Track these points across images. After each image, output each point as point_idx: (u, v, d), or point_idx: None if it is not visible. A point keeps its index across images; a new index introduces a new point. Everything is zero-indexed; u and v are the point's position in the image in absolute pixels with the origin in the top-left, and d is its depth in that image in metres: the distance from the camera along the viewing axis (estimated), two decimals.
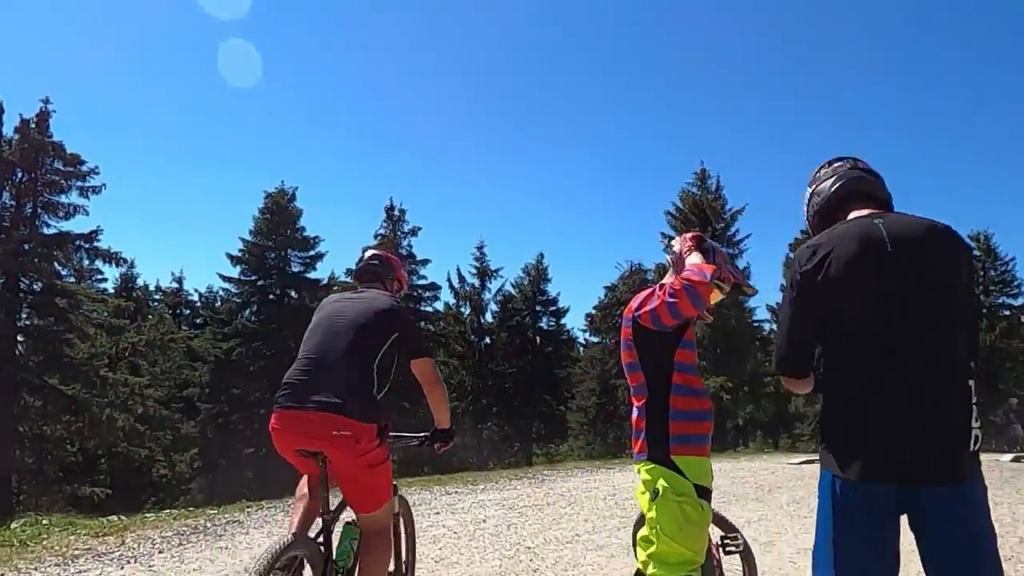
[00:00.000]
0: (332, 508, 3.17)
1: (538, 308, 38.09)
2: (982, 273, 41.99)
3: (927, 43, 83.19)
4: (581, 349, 40.87)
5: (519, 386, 36.83)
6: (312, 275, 31.92)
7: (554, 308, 38.08)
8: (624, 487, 10.19)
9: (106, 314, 22.96)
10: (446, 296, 36.09)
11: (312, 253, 31.72)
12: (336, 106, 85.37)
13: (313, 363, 3.04)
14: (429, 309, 33.91)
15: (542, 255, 38.19)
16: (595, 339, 34.99)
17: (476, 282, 37.30)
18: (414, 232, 31.98)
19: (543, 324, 38.26)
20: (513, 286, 38.12)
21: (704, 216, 27.68)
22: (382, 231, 31.50)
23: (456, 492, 9.70)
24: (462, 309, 37.68)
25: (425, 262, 32.70)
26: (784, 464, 14.73)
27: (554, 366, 38.06)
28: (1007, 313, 42.12)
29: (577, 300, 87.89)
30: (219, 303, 35.59)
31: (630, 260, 34.60)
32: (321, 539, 3.05)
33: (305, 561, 2.89)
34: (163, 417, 23.97)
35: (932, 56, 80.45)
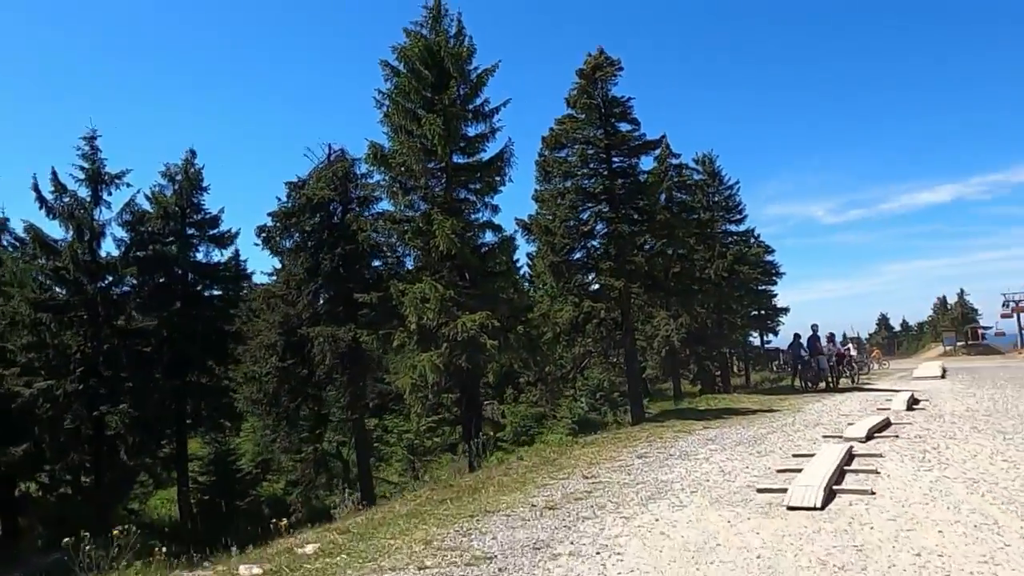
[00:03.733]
0: None
1: (190, 231, 25.77)
2: (706, 199, 39.01)
3: None
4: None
5: (163, 349, 24.52)
6: None
7: (215, 231, 26.05)
8: None
9: None
10: (28, 212, 22.15)
11: None
12: None
13: None
14: None
15: (193, 152, 25.79)
16: (276, 264, 23.48)
17: (85, 192, 23.79)
18: None
19: (200, 254, 26.07)
20: (149, 199, 25.30)
21: (441, 69, 18.08)
22: None
23: None
24: (67, 234, 24.02)
25: None
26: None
27: (219, 316, 26.22)
28: (730, 240, 39.80)
29: (247, 218, 71.69)
30: None
31: (328, 144, 23.23)
32: None
33: None
34: None
35: None
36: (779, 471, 7.67)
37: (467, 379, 18.12)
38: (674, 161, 32.71)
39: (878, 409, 14.53)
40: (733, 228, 40.75)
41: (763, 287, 41.26)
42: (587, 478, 8.04)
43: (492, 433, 32.15)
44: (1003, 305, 75.90)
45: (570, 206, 23.04)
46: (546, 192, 23.89)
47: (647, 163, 24.74)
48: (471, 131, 18.88)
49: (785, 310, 42.44)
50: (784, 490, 6.42)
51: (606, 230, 22.98)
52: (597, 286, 23.25)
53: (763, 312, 42.07)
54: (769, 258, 41.70)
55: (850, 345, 28.88)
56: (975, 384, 21.38)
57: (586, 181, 23.32)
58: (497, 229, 19.11)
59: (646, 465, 8.88)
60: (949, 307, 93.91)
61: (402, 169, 17.99)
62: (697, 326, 35.56)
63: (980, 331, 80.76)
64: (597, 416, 31.00)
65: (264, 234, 19.93)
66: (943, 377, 24.92)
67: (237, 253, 27.91)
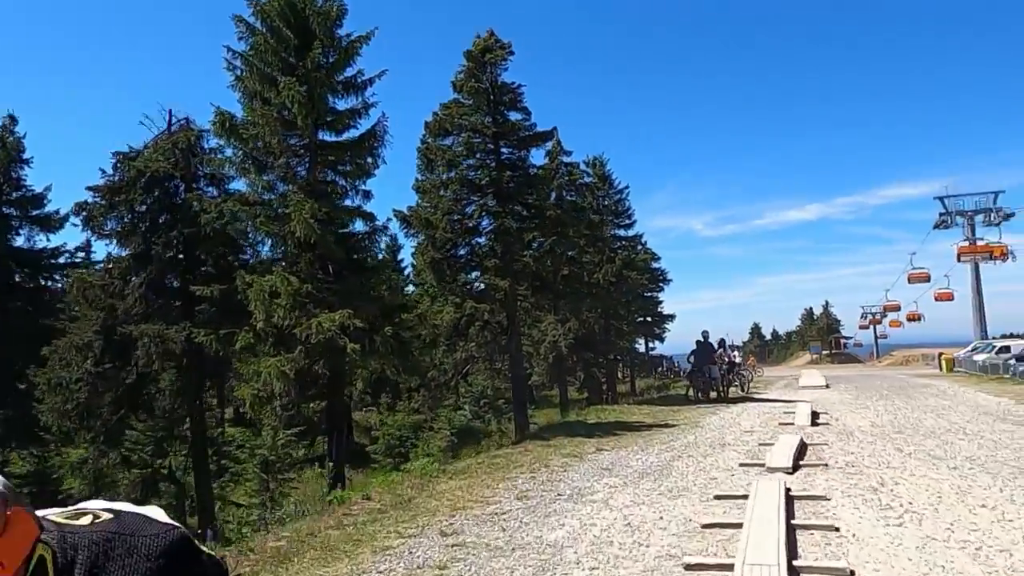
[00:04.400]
0: None
1: (8, 211, 21.97)
2: (596, 201, 38.11)
3: None
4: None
5: None
6: None
7: (39, 212, 22.35)
8: None
9: None
10: None
11: None
12: None
13: None
14: None
15: (12, 118, 22.03)
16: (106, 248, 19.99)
17: None
18: None
19: (21, 240, 22.30)
20: None
21: (306, 30, 15.67)
22: None
23: None
24: None
25: None
26: None
27: (43, 313, 22.45)
28: (618, 245, 39.06)
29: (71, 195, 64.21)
30: None
31: (169, 109, 19.11)
32: None
33: None
34: None
35: None
36: (706, 526, 5.98)
37: (330, 387, 15.76)
38: (565, 159, 31.30)
39: (780, 424, 13.39)
40: (622, 233, 40.01)
41: (650, 293, 40.91)
42: (446, 535, 6.01)
43: (366, 444, 29.67)
44: (861, 317, 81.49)
45: (454, 198, 21.16)
46: (428, 182, 21.87)
47: (538, 157, 23.12)
48: (340, 105, 16.55)
49: (671, 317, 42.24)
50: (728, 567, 4.68)
51: (492, 226, 21.18)
52: (482, 286, 21.43)
53: (650, 319, 41.67)
54: (656, 265, 41.42)
55: (736, 352, 28.33)
56: (861, 395, 21.03)
57: (472, 172, 21.49)
58: (369, 218, 16.80)
59: (527, 512, 6.93)
60: (815, 318, 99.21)
61: (257, 144, 15.43)
62: (585, 331, 34.39)
63: (842, 341, 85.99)
64: (481, 424, 29.18)
65: (84, 212, 16.70)
66: (828, 387, 24.70)
67: (89, 244, 24.26)
